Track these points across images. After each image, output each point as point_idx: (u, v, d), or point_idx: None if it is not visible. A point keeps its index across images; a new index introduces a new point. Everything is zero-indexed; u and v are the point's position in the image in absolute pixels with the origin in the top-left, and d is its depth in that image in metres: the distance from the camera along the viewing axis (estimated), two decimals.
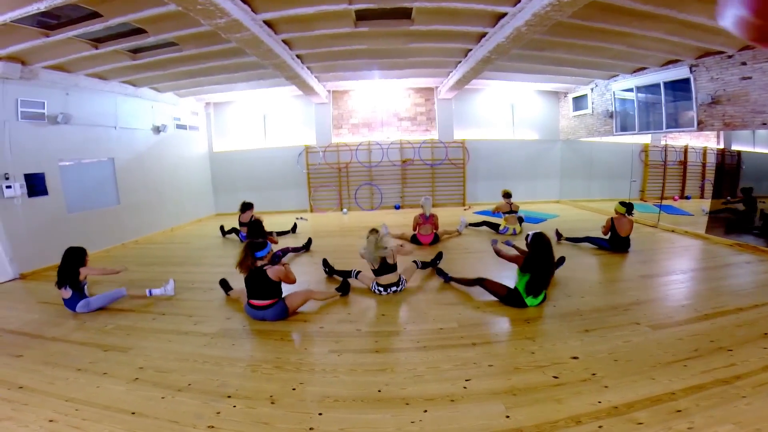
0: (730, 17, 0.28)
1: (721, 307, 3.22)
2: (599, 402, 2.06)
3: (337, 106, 9.66)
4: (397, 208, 9.60)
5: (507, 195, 6.59)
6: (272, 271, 3.23)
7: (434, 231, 5.94)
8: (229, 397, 2.24)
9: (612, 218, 5.16)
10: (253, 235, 5.06)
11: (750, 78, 5.38)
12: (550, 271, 3.42)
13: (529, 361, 2.53)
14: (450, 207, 9.45)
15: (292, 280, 3.35)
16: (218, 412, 2.09)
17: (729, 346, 2.57)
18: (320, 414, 2.08)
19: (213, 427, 1.97)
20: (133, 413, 2.10)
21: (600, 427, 1.88)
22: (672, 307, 3.35)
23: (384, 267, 3.80)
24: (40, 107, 5.41)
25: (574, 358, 2.54)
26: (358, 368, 2.56)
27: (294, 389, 2.32)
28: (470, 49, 6.25)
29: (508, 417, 1.99)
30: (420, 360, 2.61)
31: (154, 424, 2.01)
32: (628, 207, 5.17)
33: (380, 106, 9.63)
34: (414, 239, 5.96)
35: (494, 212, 6.68)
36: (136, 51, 5.49)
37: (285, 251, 5.49)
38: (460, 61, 6.99)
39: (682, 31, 5.19)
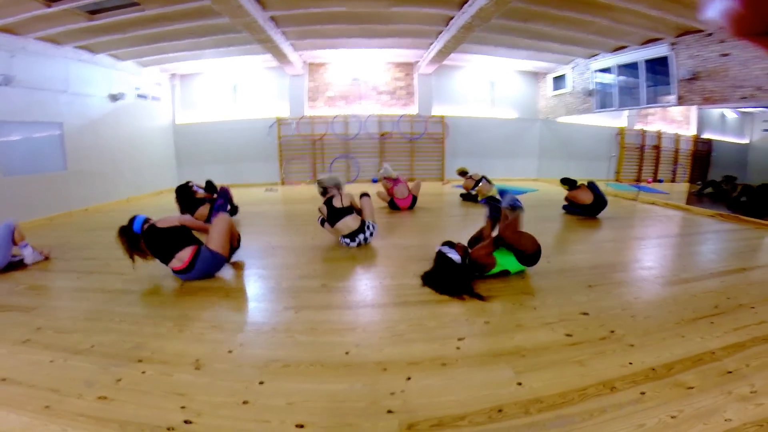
0: (715, 8, 0.27)
1: (723, 267, 3.17)
2: (630, 363, 1.78)
3: (313, 78, 9.23)
4: (374, 181, 9.33)
5: (463, 173, 6.72)
6: (166, 221, 2.86)
7: (411, 193, 5.62)
8: (140, 361, 1.83)
9: (567, 196, 5.21)
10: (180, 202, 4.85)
11: (729, 54, 5.39)
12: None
13: (532, 317, 2.24)
14: (429, 181, 9.27)
15: (200, 227, 3.02)
16: (119, 380, 1.69)
17: (750, 303, 2.43)
18: (261, 383, 1.67)
19: (105, 398, 1.56)
20: (4, 380, 1.71)
21: (642, 393, 1.58)
22: (673, 265, 3.28)
23: (334, 212, 3.54)
24: None
25: (585, 314, 2.28)
26: (320, 326, 2.17)
27: (230, 352, 1.92)
28: (452, 17, 5.98)
29: (520, 384, 1.64)
30: (400, 317, 2.25)
31: (26, 394, 1.61)
32: (570, 183, 5.22)
33: (358, 79, 9.24)
34: (392, 205, 5.62)
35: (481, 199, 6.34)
36: (93, 12, 4.97)
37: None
38: (441, 31, 6.72)
39: (663, 5, 5.11)
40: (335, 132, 9.16)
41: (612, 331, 2.07)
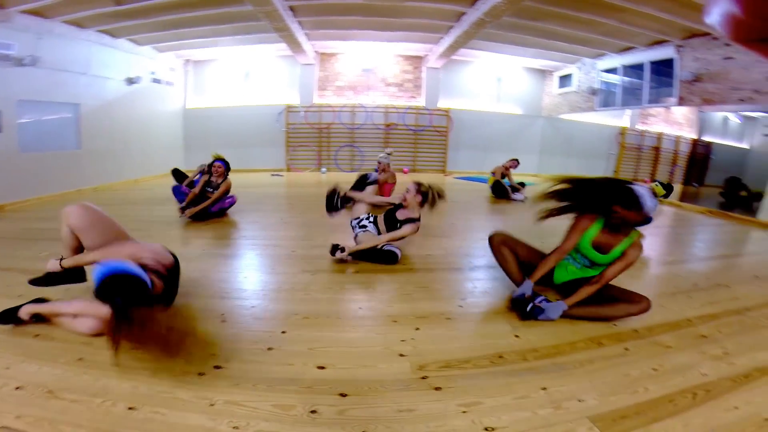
0: (717, 13, 0.26)
1: (706, 254, 3.51)
2: (615, 325, 2.00)
3: (323, 68, 9.35)
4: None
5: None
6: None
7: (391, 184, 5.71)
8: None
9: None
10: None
11: (732, 58, 5.52)
12: None
13: None
14: (430, 173, 9.45)
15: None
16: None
17: (726, 283, 2.69)
18: (283, 332, 1.82)
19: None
20: (37, 336, 1.71)
21: (626, 349, 1.79)
22: (660, 251, 3.55)
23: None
24: (8, 49, 4.99)
25: None
26: (335, 286, 2.37)
27: (253, 307, 2.07)
28: (464, 13, 6.11)
29: (517, 336, 1.85)
30: (407, 280, 2.48)
31: (59, 347, 1.63)
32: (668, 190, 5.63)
33: (368, 71, 9.36)
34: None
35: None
36: None
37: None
38: (452, 27, 6.84)
39: (672, 8, 5.24)
40: (342, 121, 9.30)
41: None
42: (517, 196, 6.05)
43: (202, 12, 5.80)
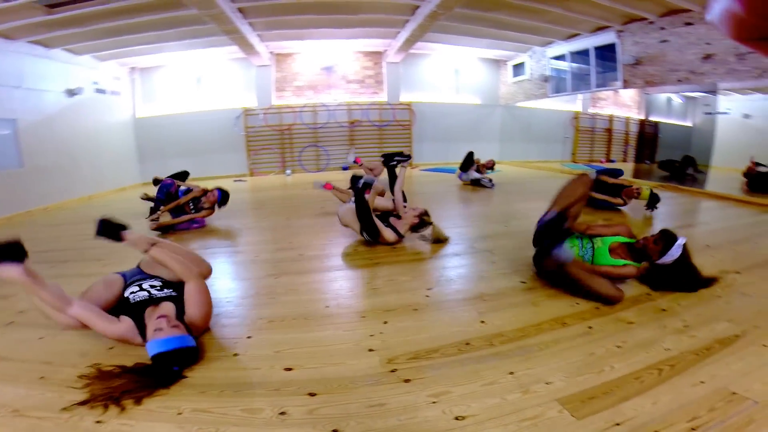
0: (718, 12, 0.26)
1: (662, 225, 3.55)
2: (577, 303, 2.03)
3: (280, 68, 9.15)
4: (344, 168, 9.44)
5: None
6: None
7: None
8: None
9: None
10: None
11: (667, 41, 5.87)
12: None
13: (492, 270, 2.53)
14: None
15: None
16: (111, 348, 1.73)
17: None
18: (249, 337, 1.81)
19: (99, 364, 1.57)
20: None
21: (590, 327, 1.81)
22: None
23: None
24: None
25: None
26: (300, 288, 2.35)
27: (217, 314, 2.01)
28: (418, 6, 6.18)
29: (483, 322, 1.88)
30: (372, 274, 2.50)
31: (19, 368, 1.63)
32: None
33: (327, 69, 9.26)
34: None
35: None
36: (52, 6, 4.75)
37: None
38: (407, 20, 6.89)
39: None
40: (304, 121, 9.16)
41: None
42: (485, 182, 6.31)
43: (143, 18, 5.52)
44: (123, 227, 1.93)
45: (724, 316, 1.89)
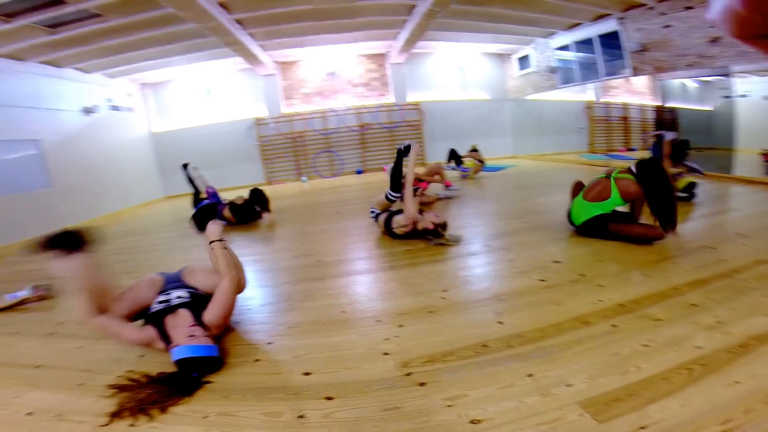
0: (719, 9, 0.26)
1: (690, 214, 3.42)
2: (600, 300, 1.93)
3: (286, 77, 9.28)
4: (359, 172, 9.53)
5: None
6: None
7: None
8: None
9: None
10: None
11: (671, 26, 5.75)
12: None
13: (509, 268, 2.49)
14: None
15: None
16: (142, 355, 1.83)
17: (710, 244, 2.59)
18: (269, 343, 1.87)
19: (132, 370, 1.68)
20: (38, 366, 1.89)
21: (614, 326, 1.71)
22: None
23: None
24: None
25: (556, 262, 2.50)
26: (318, 293, 2.39)
27: (237, 323, 2.10)
28: (414, 5, 6.20)
29: (501, 323, 1.82)
30: (388, 278, 2.50)
31: (60, 376, 1.78)
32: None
33: (332, 74, 9.35)
34: None
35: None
36: (53, 26, 4.92)
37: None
38: (406, 20, 6.91)
39: None
40: (314, 128, 9.27)
41: (582, 275, 2.27)
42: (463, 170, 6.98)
43: (145, 34, 5.65)
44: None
45: (760, 311, 1.73)
